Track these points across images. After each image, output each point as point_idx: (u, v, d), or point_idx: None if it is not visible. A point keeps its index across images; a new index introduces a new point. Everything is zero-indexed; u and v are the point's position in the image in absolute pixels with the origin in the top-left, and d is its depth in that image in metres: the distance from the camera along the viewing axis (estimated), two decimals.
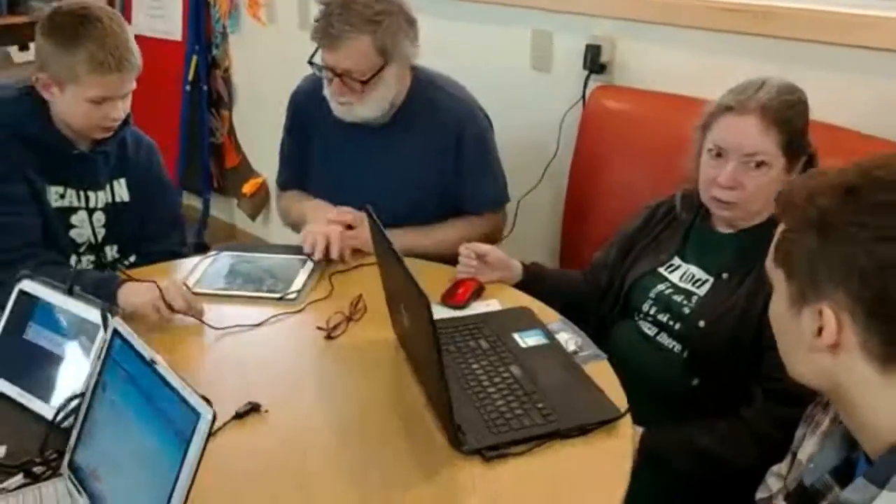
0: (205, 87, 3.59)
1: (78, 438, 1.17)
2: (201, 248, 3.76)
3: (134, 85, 1.78)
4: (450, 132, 1.95)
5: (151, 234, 1.97)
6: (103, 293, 1.58)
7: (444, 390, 1.24)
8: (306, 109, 1.99)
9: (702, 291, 1.57)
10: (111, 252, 1.92)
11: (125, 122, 1.86)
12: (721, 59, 2.03)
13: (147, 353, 1.08)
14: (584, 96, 2.27)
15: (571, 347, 1.55)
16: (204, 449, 0.99)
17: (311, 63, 1.87)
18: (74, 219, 1.84)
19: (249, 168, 3.63)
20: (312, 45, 1.87)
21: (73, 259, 1.85)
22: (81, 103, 1.71)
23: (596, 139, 2.22)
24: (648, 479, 1.40)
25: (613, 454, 1.27)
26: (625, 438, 1.31)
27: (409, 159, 1.95)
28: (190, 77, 3.56)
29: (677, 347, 1.58)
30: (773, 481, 1.17)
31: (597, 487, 1.22)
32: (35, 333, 1.39)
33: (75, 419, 1.19)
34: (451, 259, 1.83)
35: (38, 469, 1.20)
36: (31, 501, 1.15)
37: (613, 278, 1.74)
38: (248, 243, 2.04)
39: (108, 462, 1.12)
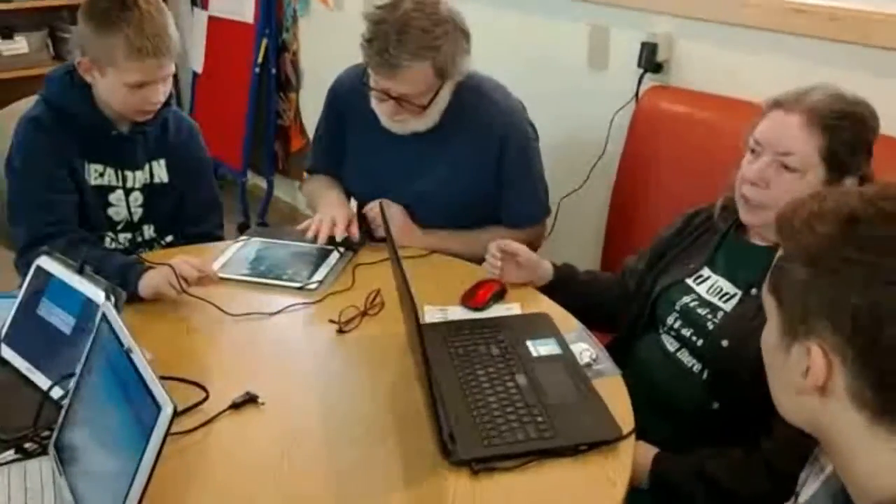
0: (273, 70, 3.63)
1: (65, 419, 1.19)
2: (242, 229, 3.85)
3: (173, 69, 1.79)
4: (492, 142, 1.88)
5: (190, 215, 1.99)
6: (129, 278, 1.62)
7: (431, 398, 1.21)
8: (346, 102, 1.96)
9: (728, 306, 1.48)
10: (148, 231, 1.95)
11: (167, 103, 1.88)
12: (786, 63, 1.91)
13: (126, 340, 1.08)
14: (636, 95, 2.18)
15: (585, 360, 1.48)
16: (164, 443, 0.98)
17: (364, 84, 1.82)
18: (112, 197, 1.87)
19: None
20: None
21: (109, 237, 1.89)
22: (120, 87, 1.73)
23: (646, 141, 2.13)
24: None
25: (607, 479, 1.21)
26: (624, 463, 1.24)
27: (449, 166, 1.90)
28: (259, 59, 3.59)
29: (697, 367, 1.49)
30: None
31: None
32: (46, 310, 1.42)
33: (66, 399, 1.21)
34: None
35: (29, 445, 1.22)
36: (16, 477, 1.17)
37: (641, 285, 1.66)
38: (285, 228, 2.01)
39: (86, 445, 1.13)
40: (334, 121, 2.01)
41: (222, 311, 1.62)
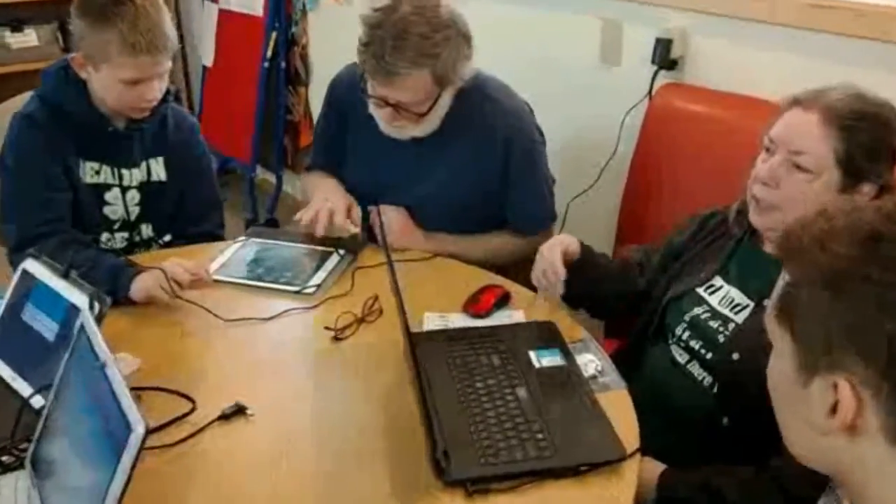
0: (283, 64, 3.57)
1: (42, 431, 1.14)
2: (272, 224, 3.80)
3: (170, 65, 1.74)
4: (496, 147, 1.81)
5: (189, 215, 1.94)
6: (120, 281, 1.58)
7: (424, 415, 1.15)
8: (345, 101, 1.89)
9: (740, 318, 1.41)
10: (146, 231, 1.91)
11: (164, 99, 1.83)
12: (806, 61, 1.83)
13: (102, 354, 1.02)
14: (650, 93, 2.11)
15: (590, 371, 1.42)
16: (135, 464, 0.92)
17: (362, 91, 1.75)
18: (108, 196, 1.83)
19: None
20: None
21: (105, 236, 1.84)
22: (115, 83, 1.68)
23: (659, 140, 2.05)
24: None
25: (610, 500, 1.15)
26: (628, 483, 1.18)
27: (451, 170, 1.83)
28: (269, 53, 3.54)
29: (707, 380, 1.43)
30: None
31: None
32: (31, 315, 1.37)
33: (44, 411, 1.16)
34: (493, 266, 1.74)
35: (6, 458, 1.18)
36: None
37: (652, 289, 1.59)
38: (285, 228, 1.96)
39: (62, 459, 1.08)
40: (334, 119, 1.95)
41: (216, 315, 1.57)
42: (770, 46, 1.90)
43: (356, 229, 1.80)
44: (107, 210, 1.83)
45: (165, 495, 1.16)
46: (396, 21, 1.63)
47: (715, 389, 1.41)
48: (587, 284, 1.58)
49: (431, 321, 1.59)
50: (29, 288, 1.39)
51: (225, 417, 1.30)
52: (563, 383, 1.38)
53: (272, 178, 3.84)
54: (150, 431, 1.23)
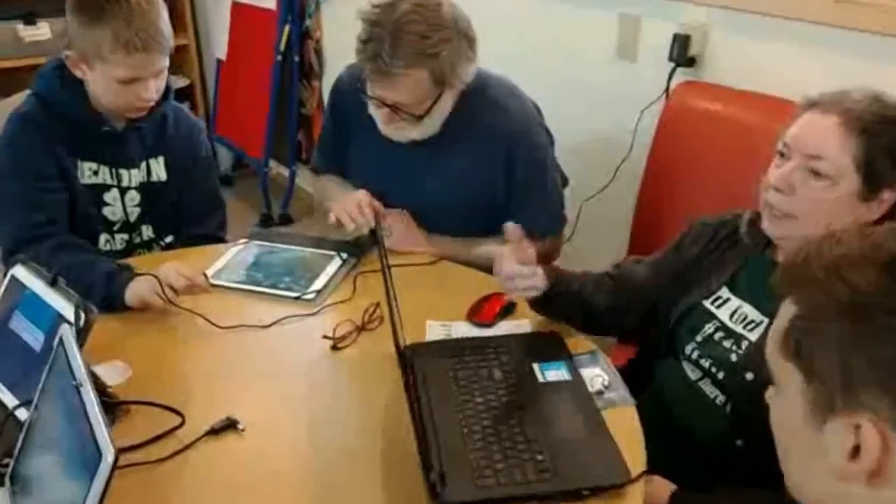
0: (296, 58, 3.53)
1: (21, 448, 1.10)
2: (286, 220, 3.76)
3: (166, 63, 1.69)
4: (500, 152, 1.74)
5: (190, 215, 1.90)
6: (115, 286, 1.54)
7: (418, 435, 1.10)
8: (348, 102, 1.82)
9: (753, 336, 1.33)
10: (147, 232, 1.87)
11: (164, 98, 1.79)
12: (832, 59, 1.75)
13: (78, 372, 0.98)
14: (667, 91, 2.03)
15: (597, 386, 1.36)
16: (105, 491, 0.88)
17: (361, 91, 1.69)
18: (107, 196, 1.79)
19: None
20: None
21: (104, 237, 1.80)
22: (110, 83, 1.64)
23: (676, 140, 1.98)
24: None
25: None
26: None
27: (454, 174, 1.77)
28: (282, 47, 3.49)
29: (721, 399, 1.36)
30: None
31: None
32: (18, 324, 1.33)
33: (24, 427, 1.12)
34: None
35: None
36: None
37: (659, 304, 1.51)
38: (288, 231, 1.91)
39: (38, 478, 1.04)
40: (338, 120, 1.89)
41: (211, 322, 1.53)
42: (794, 44, 1.82)
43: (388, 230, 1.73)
44: (106, 211, 1.79)
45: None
46: (395, 19, 1.57)
47: (728, 409, 1.34)
48: (558, 313, 1.51)
49: (434, 330, 1.53)
50: (17, 295, 1.35)
51: (214, 432, 1.26)
52: (567, 399, 1.32)
53: (286, 173, 3.80)
54: (136, 447, 1.22)
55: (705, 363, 1.38)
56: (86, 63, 1.64)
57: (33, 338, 1.30)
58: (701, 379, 1.40)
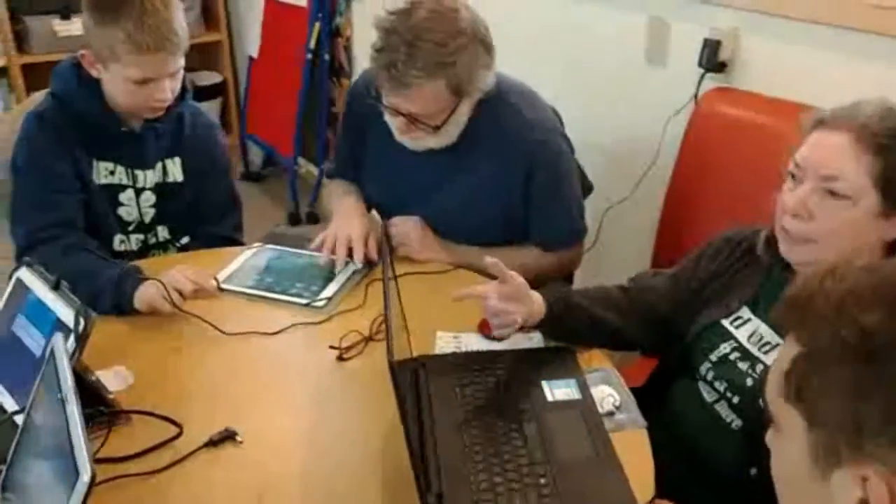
0: (326, 56, 3.51)
1: (13, 457, 1.08)
2: (313, 218, 3.75)
3: (181, 64, 1.68)
4: (519, 160, 1.69)
5: (205, 217, 1.88)
6: (123, 290, 1.53)
7: (412, 456, 1.06)
8: (364, 110, 1.76)
9: (769, 359, 1.27)
10: (163, 233, 1.86)
11: (181, 98, 1.77)
12: (867, 67, 1.67)
13: (64, 386, 0.96)
14: (695, 97, 1.97)
15: (607, 407, 1.31)
16: None
17: (376, 98, 1.65)
18: (122, 197, 1.78)
19: None
20: None
21: (119, 238, 1.79)
22: (124, 83, 1.63)
23: (704, 148, 1.91)
24: None
25: None
26: None
27: (471, 184, 1.73)
28: (312, 45, 3.48)
29: (736, 423, 1.30)
30: None
31: None
32: (20, 327, 1.32)
33: (16, 436, 1.10)
34: None
35: None
36: None
37: (676, 320, 1.45)
38: (303, 234, 1.88)
39: (25, 489, 1.02)
40: (354, 127, 1.85)
41: (217, 329, 1.51)
42: (829, 50, 1.74)
43: (374, 257, 1.70)
44: (121, 211, 1.78)
45: None
46: (410, 27, 1.52)
47: (743, 435, 1.28)
48: (566, 335, 1.46)
49: (443, 342, 1.49)
50: (21, 298, 1.34)
51: (213, 443, 1.24)
52: (575, 420, 1.27)
53: (315, 171, 3.79)
54: (132, 457, 1.20)
55: (720, 386, 1.33)
56: (101, 62, 1.63)
57: (34, 342, 1.29)
58: (717, 401, 1.35)
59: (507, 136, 1.69)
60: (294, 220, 3.70)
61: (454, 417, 1.28)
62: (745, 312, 1.37)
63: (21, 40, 3.69)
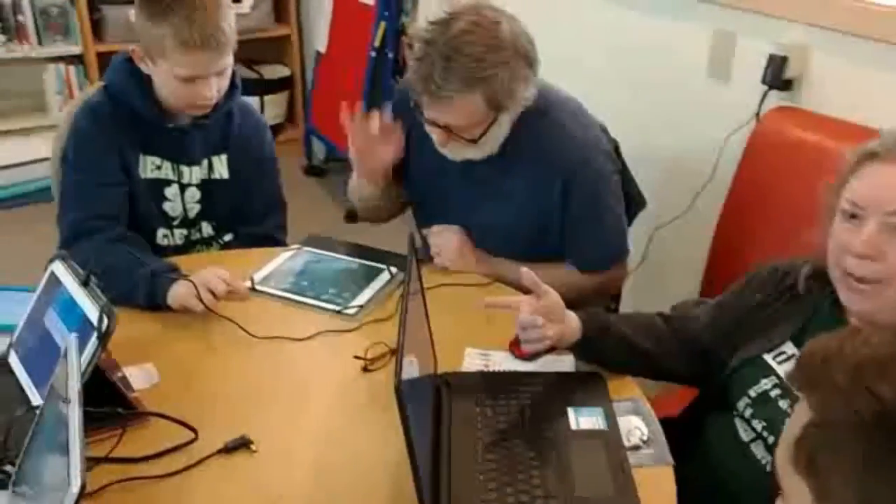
0: (390, 55, 3.49)
1: (25, 454, 1.09)
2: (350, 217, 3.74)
3: (229, 62, 1.68)
4: (557, 178, 1.64)
5: (249, 215, 1.89)
6: (157, 287, 1.54)
7: (423, 486, 1.03)
8: (407, 116, 1.73)
9: None
10: (207, 229, 1.87)
11: (231, 95, 1.78)
12: None
13: (72, 390, 0.96)
14: (757, 115, 1.88)
15: (634, 440, 1.25)
16: None
17: (412, 108, 1.62)
18: (168, 192, 1.79)
19: None
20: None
21: (162, 232, 1.81)
22: (171, 80, 1.64)
23: (764, 169, 1.83)
24: None
25: None
26: None
27: (510, 196, 1.68)
28: (377, 43, 3.47)
29: (772, 465, 1.23)
30: None
31: None
32: (50, 321, 1.34)
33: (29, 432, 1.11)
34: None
35: None
36: None
37: (717, 351, 1.38)
38: (339, 240, 1.86)
39: (35, 484, 1.03)
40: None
41: (246, 332, 1.50)
42: None
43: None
44: (166, 206, 1.80)
45: None
46: (449, 39, 1.48)
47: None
48: (602, 360, 1.40)
49: (472, 359, 1.46)
50: (53, 292, 1.36)
51: (227, 450, 1.23)
52: (598, 451, 1.22)
53: None
54: (146, 458, 1.20)
55: (757, 424, 1.26)
56: (149, 58, 1.64)
57: (61, 337, 1.30)
58: (753, 440, 1.27)
59: (547, 151, 1.64)
60: (351, 216, 3.70)
61: (472, 440, 1.24)
62: (790, 348, 1.29)
63: (98, 28, 3.80)
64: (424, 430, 1.20)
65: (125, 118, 1.71)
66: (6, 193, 3.65)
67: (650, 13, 2.18)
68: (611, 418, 1.29)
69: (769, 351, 1.29)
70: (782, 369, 1.27)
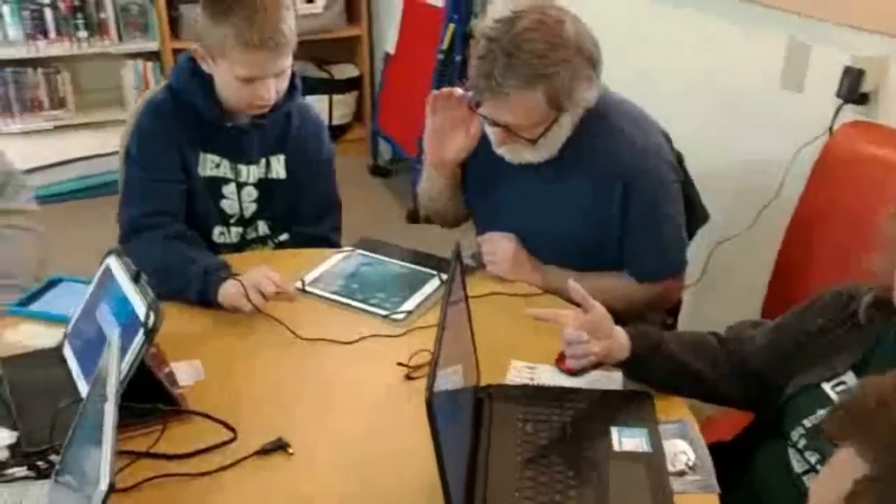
0: (458, 58, 3.48)
1: (68, 446, 1.11)
2: (430, 219, 3.74)
3: (288, 63, 1.69)
4: (617, 184, 1.60)
5: (304, 215, 1.89)
6: (209, 284, 1.56)
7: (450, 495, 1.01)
8: None
9: None
10: (262, 228, 1.89)
11: (290, 97, 1.79)
12: None
13: (110, 386, 0.97)
14: (830, 130, 1.80)
15: (679, 465, 1.21)
16: None
17: (471, 108, 1.61)
18: (225, 190, 1.81)
19: None
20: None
21: (218, 229, 1.83)
22: (231, 79, 1.66)
23: (835, 186, 1.75)
24: None
25: None
26: None
27: (567, 201, 1.65)
28: (444, 46, 3.46)
29: None
30: None
31: None
32: (102, 314, 1.37)
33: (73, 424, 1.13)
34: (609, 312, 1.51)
35: (41, 463, 1.17)
36: (8, 500, 1.11)
37: (773, 376, 1.32)
38: (392, 243, 1.85)
39: (77, 476, 1.04)
40: None
41: (293, 333, 1.51)
42: None
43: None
44: (223, 204, 1.82)
45: None
46: (513, 36, 1.47)
47: None
48: (651, 380, 1.35)
49: (517, 371, 1.43)
50: (106, 286, 1.39)
51: (264, 452, 1.23)
52: (640, 475, 1.18)
53: None
54: (183, 455, 1.21)
55: (811, 457, 1.19)
56: (211, 57, 1.66)
57: (111, 331, 1.32)
58: (806, 473, 1.21)
59: (607, 156, 1.60)
60: (413, 218, 3.71)
61: (511, 455, 1.22)
62: (850, 377, 1.22)
63: (175, 26, 3.89)
64: (461, 441, 1.18)
65: (187, 116, 1.74)
66: (84, 184, 3.78)
67: (722, 21, 2.12)
68: (656, 440, 1.24)
69: (828, 380, 1.23)
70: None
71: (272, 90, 1.68)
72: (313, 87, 4.05)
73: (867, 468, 0.58)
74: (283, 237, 1.92)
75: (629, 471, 1.19)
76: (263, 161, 1.82)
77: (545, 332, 1.49)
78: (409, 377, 1.41)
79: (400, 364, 1.43)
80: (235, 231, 1.86)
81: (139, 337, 1.24)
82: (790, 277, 1.79)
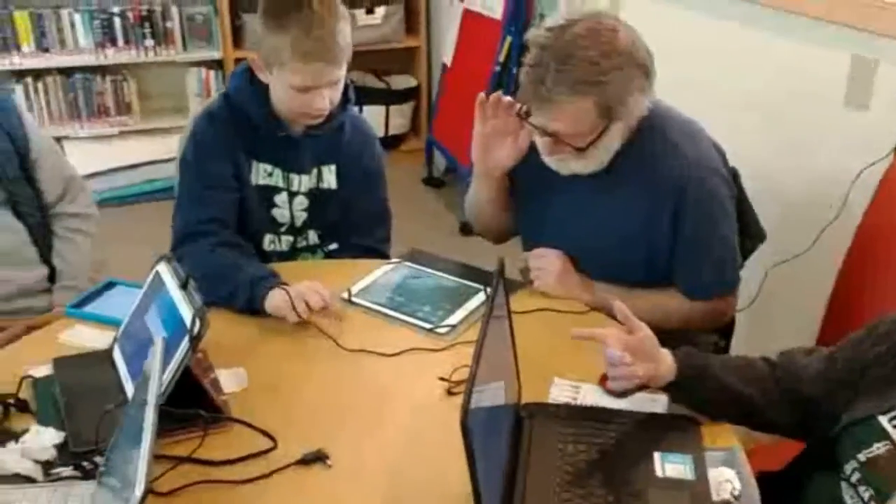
0: (514, 70, 3.47)
1: (111, 446, 1.13)
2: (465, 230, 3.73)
3: (342, 74, 1.70)
4: (669, 198, 1.57)
5: (354, 226, 1.90)
6: (256, 293, 1.58)
7: None
8: None
9: None
10: (312, 237, 1.90)
11: (343, 108, 1.80)
12: None
13: (151, 391, 0.98)
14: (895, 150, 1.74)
15: (724, 495, 1.17)
16: None
17: (520, 116, 1.60)
18: (277, 199, 1.83)
19: None
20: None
21: (269, 237, 1.85)
22: (285, 89, 1.68)
23: None
24: None
25: None
26: None
27: (617, 215, 1.62)
28: (501, 58, 3.46)
29: None
30: None
31: None
32: (151, 319, 1.39)
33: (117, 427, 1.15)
34: (658, 331, 1.44)
35: (86, 463, 1.19)
36: (53, 499, 1.13)
37: (827, 406, 1.27)
38: (441, 256, 1.84)
39: (110, 481, 1.06)
40: None
41: (337, 344, 1.51)
42: None
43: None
44: (274, 212, 1.84)
45: None
46: (565, 43, 1.46)
47: None
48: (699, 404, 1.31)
49: (560, 389, 1.41)
50: (156, 291, 1.41)
51: (303, 463, 1.24)
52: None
53: None
54: (223, 462, 1.22)
55: (865, 492, 1.15)
56: (267, 67, 1.69)
57: (157, 336, 1.34)
58: None
59: (659, 169, 1.57)
60: (466, 230, 3.70)
61: (550, 476, 1.20)
62: None
63: (238, 35, 3.97)
64: (499, 459, 1.17)
65: (241, 125, 1.77)
66: (148, 188, 3.88)
67: (783, 36, 2.07)
68: (700, 468, 1.21)
69: (885, 412, 1.18)
70: None
71: (326, 100, 1.70)
72: (371, 97, 4.10)
73: None
74: (333, 246, 1.93)
75: (671, 498, 1.16)
76: (315, 171, 1.84)
77: (591, 351, 1.46)
78: (450, 392, 1.40)
79: (441, 378, 1.42)
80: (286, 239, 1.88)
81: (184, 343, 1.26)
82: (849, 303, 1.73)
